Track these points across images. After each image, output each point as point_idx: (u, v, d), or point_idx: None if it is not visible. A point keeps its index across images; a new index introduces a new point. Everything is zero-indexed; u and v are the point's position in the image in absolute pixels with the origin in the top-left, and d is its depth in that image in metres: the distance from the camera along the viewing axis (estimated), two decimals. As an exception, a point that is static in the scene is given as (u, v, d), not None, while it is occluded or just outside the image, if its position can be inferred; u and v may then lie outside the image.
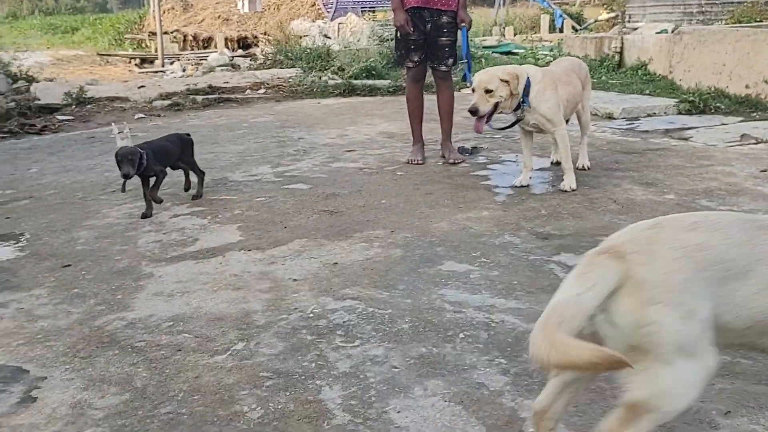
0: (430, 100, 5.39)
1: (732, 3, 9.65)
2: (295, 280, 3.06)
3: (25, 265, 3.39)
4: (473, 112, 4.11)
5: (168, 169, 4.31)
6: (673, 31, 8.56)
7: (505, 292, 2.84)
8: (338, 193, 4.41)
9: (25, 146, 6.50)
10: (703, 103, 6.69)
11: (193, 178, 4.54)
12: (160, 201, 4.21)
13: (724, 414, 1.95)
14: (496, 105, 4.10)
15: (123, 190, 4.19)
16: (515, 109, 4.18)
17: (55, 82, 10.74)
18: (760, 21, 8.62)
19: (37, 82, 9.72)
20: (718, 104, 6.72)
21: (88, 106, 8.32)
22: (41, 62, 15.16)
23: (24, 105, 7.87)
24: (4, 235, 3.85)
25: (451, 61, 5.16)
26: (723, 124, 6.04)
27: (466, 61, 5.23)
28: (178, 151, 4.40)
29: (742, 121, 6.15)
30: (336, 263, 3.23)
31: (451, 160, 5.13)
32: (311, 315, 2.71)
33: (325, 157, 5.47)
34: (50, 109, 8.01)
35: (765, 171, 4.42)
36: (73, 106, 8.22)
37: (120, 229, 3.90)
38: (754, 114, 6.43)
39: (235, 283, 3.07)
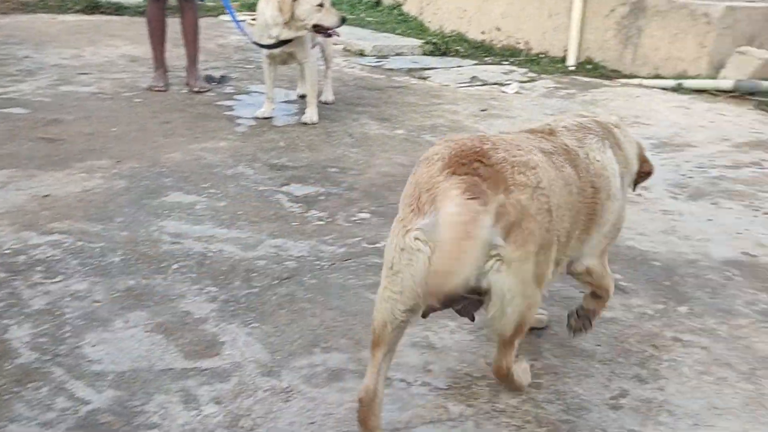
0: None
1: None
2: (-6, 214, 2.76)
3: None
4: (344, 20, 4.16)
5: None
6: (425, -25, 8.97)
7: (228, 223, 2.84)
8: (62, 119, 4.03)
9: None
10: (445, 45, 7.18)
11: None
12: None
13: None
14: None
15: None
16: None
17: None
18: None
19: None
20: (458, 47, 7.26)
21: None
22: None
23: None
24: None
25: (195, -18, 4.90)
26: (459, 66, 6.56)
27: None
28: None
29: (476, 64, 6.72)
30: (47, 195, 2.97)
31: (196, 89, 4.93)
32: (8, 251, 2.47)
33: (53, 80, 4.93)
34: None
35: (484, 110, 4.91)
36: None
37: None
38: (487, 58, 7.06)
39: None
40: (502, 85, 5.76)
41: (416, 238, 1.47)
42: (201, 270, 2.44)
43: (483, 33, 7.59)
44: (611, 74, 6.29)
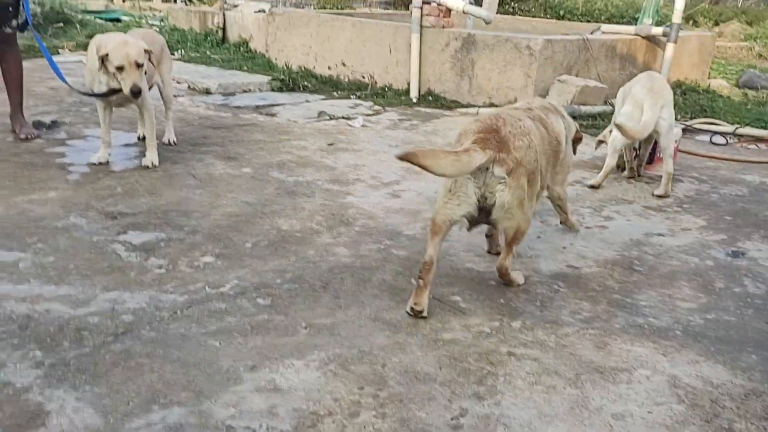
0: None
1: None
2: None
3: None
4: (136, 93, 3.87)
5: None
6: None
7: (57, 279, 2.66)
8: None
9: None
10: (292, 81, 7.25)
11: None
12: None
13: (250, 369, 2.15)
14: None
15: None
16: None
17: None
18: (342, 8, 9.69)
19: None
20: (306, 83, 7.35)
21: None
22: None
23: None
24: None
25: (14, 23, 4.59)
26: (307, 102, 6.64)
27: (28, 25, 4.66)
28: None
29: (324, 99, 6.85)
30: None
31: (23, 136, 4.61)
32: None
33: None
34: None
35: (331, 144, 4.99)
36: None
37: None
38: (335, 93, 7.22)
39: None
40: (349, 119, 5.90)
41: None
42: (24, 334, 2.26)
43: (329, 68, 7.76)
44: (451, 104, 6.65)
